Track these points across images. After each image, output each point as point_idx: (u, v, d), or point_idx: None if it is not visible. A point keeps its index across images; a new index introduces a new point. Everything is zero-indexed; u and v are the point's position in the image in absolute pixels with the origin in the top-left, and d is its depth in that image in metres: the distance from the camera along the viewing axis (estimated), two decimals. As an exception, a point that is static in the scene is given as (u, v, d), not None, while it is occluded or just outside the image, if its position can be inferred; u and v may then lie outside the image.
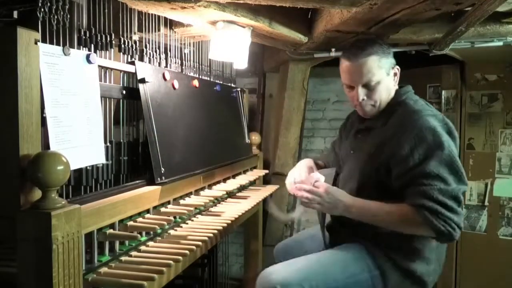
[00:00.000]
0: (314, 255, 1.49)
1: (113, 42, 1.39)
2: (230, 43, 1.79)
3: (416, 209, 1.30)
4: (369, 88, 1.48)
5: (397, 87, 1.55)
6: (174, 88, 1.71)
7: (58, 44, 1.15)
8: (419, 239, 1.42)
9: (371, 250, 1.45)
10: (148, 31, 1.62)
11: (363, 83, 1.47)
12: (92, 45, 1.31)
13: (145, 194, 1.38)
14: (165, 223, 1.35)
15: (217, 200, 1.92)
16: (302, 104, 2.84)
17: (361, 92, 1.48)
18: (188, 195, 1.72)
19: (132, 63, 1.49)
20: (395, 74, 1.53)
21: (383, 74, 1.47)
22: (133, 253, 1.29)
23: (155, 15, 1.63)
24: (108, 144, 1.33)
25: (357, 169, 1.51)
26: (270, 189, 2.41)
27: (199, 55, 2.06)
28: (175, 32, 1.82)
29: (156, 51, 1.68)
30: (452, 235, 1.28)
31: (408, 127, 1.38)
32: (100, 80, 1.33)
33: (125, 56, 1.49)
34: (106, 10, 1.37)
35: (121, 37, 1.46)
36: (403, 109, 1.47)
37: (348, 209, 1.40)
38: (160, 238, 1.43)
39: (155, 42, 1.67)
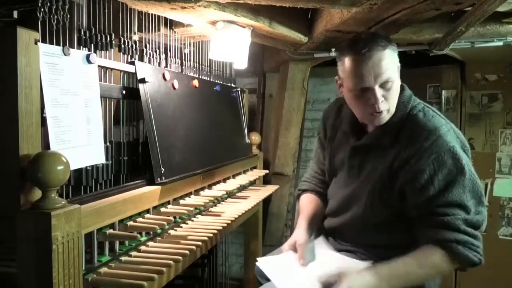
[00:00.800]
0: None
1: (113, 42, 1.39)
2: (230, 43, 1.79)
3: (443, 245, 1.18)
4: (385, 88, 1.24)
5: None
6: (174, 88, 1.71)
7: (58, 44, 1.15)
8: (412, 247, 1.30)
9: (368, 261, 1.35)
10: (148, 31, 1.62)
11: (382, 81, 1.22)
12: (92, 45, 1.31)
13: (145, 194, 1.38)
14: (165, 223, 1.35)
15: (217, 200, 1.92)
16: (302, 104, 2.84)
17: (380, 94, 1.23)
18: (188, 195, 1.72)
19: (132, 63, 1.49)
20: (398, 71, 1.32)
21: (396, 71, 1.27)
22: (133, 253, 1.29)
23: (155, 15, 1.63)
24: (108, 144, 1.33)
25: (365, 191, 1.34)
26: (270, 189, 2.41)
27: (199, 55, 2.06)
28: (175, 32, 1.82)
29: (156, 51, 1.68)
30: (481, 261, 1.21)
31: (426, 150, 1.22)
32: (100, 80, 1.33)
33: (125, 56, 1.49)
34: (106, 10, 1.37)
35: (121, 37, 1.46)
36: (414, 124, 1.28)
37: None
38: (160, 238, 1.43)
39: (155, 42, 1.67)
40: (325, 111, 1.63)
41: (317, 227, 1.54)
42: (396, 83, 1.26)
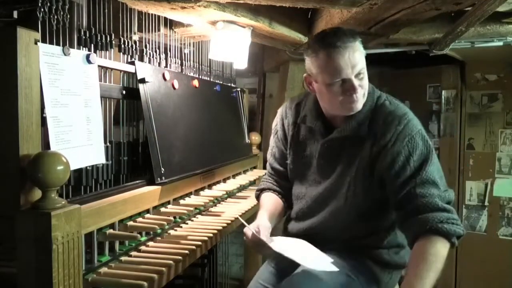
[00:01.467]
0: None
1: (113, 42, 1.39)
2: (230, 43, 1.79)
3: (431, 229, 1.20)
4: (359, 78, 1.29)
5: None
6: (174, 88, 1.71)
7: (58, 44, 1.15)
8: (396, 231, 1.41)
9: (353, 256, 1.38)
10: (148, 31, 1.62)
11: (357, 71, 1.27)
12: (92, 45, 1.31)
13: (145, 194, 1.38)
14: (165, 223, 1.36)
15: (217, 200, 1.92)
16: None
17: (356, 83, 1.28)
18: (188, 195, 1.72)
19: (132, 63, 1.49)
20: None
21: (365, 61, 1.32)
22: (133, 253, 1.29)
23: (155, 15, 1.63)
24: (108, 144, 1.33)
25: (343, 183, 1.37)
26: (270, 189, 2.41)
27: (199, 55, 2.06)
28: (175, 32, 1.82)
29: (156, 51, 1.68)
30: (464, 232, 1.24)
31: (400, 133, 1.30)
32: (100, 80, 1.33)
33: (125, 56, 1.49)
34: (106, 10, 1.37)
35: (121, 37, 1.46)
36: (384, 112, 1.35)
37: None
38: (160, 238, 1.43)
39: (155, 42, 1.67)
40: (283, 108, 1.58)
41: (275, 226, 1.49)
42: (366, 73, 1.32)
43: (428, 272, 1.16)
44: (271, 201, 1.54)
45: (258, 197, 1.63)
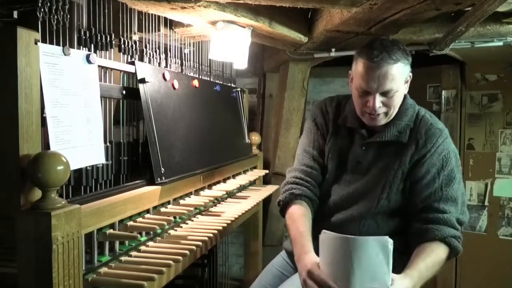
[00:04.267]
0: None
1: (113, 42, 1.39)
2: (230, 43, 1.79)
3: (445, 240, 1.30)
4: (387, 96, 1.34)
5: (407, 91, 1.44)
6: (174, 88, 1.71)
7: (58, 44, 1.15)
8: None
9: None
10: (148, 31, 1.62)
11: (383, 90, 1.32)
12: (92, 45, 1.31)
13: (145, 194, 1.38)
14: (165, 223, 1.35)
15: (217, 200, 1.92)
16: (302, 104, 2.84)
17: (378, 100, 1.33)
18: (188, 195, 1.72)
19: (132, 63, 1.49)
20: (406, 82, 1.40)
21: (402, 83, 1.36)
22: (133, 253, 1.29)
23: (155, 15, 1.63)
24: (108, 144, 1.33)
25: (377, 185, 1.39)
26: (270, 189, 2.41)
27: (199, 55, 2.06)
28: (175, 32, 1.82)
29: (156, 51, 1.68)
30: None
31: (439, 147, 1.38)
32: (100, 80, 1.33)
33: (125, 56, 1.49)
34: (106, 10, 1.37)
35: (121, 37, 1.46)
36: (426, 123, 1.41)
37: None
38: (160, 238, 1.43)
39: (155, 42, 1.67)
40: (322, 105, 1.58)
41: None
42: (399, 93, 1.35)
43: (432, 268, 1.26)
44: (306, 221, 1.39)
45: (288, 203, 1.46)
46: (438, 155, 1.37)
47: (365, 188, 1.42)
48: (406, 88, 1.42)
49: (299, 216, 1.39)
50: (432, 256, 1.28)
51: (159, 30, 1.68)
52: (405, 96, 1.45)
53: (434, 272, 1.28)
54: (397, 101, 1.37)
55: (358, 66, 1.35)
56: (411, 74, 1.40)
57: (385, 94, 1.33)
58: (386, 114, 1.38)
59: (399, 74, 1.32)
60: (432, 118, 1.44)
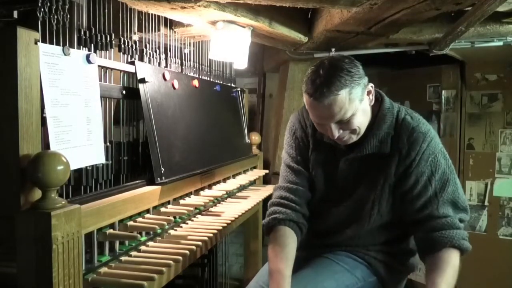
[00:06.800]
0: (307, 271, 1.35)
1: (113, 42, 1.39)
2: (230, 43, 1.79)
3: (455, 244, 1.27)
4: (344, 122, 1.25)
5: (373, 101, 1.33)
6: (174, 88, 1.71)
7: (58, 44, 1.15)
8: (409, 238, 1.45)
9: (366, 259, 1.42)
10: (148, 31, 1.62)
11: (336, 121, 1.24)
12: (92, 45, 1.31)
13: (145, 194, 1.38)
14: (165, 223, 1.35)
15: (217, 200, 1.92)
16: (302, 104, 2.84)
17: (335, 128, 1.25)
18: (188, 195, 1.72)
19: (132, 63, 1.49)
20: (369, 93, 1.30)
21: (357, 104, 1.23)
22: (133, 253, 1.29)
23: (155, 15, 1.63)
24: (108, 144, 1.33)
25: (367, 201, 1.35)
26: (270, 189, 2.41)
27: (199, 55, 2.06)
28: (175, 32, 1.82)
29: (156, 51, 1.68)
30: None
31: (424, 152, 1.29)
32: (100, 80, 1.33)
33: (125, 56, 1.49)
34: (106, 10, 1.37)
35: (121, 37, 1.46)
36: (408, 128, 1.31)
37: None
38: (160, 238, 1.43)
39: (155, 42, 1.67)
40: (300, 117, 1.50)
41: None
42: (357, 114, 1.25)
43: (453, 281, 1.23)
44: (287, 253, 1.30)
45: (271, 228, 1.39)
46: (425, 162, 1.29)
47: (356, 206, 1.38)
48: (369, 101, 1.31)
49: (281, 248, 1.30)
50: (449, 270, 1.23)
51: (159, 30, 1.68)
52: (381, 100, 1.36)
53: (455, 282, 1.24)
54: (359, 120, 1.26)
55: (304, 98, 1.27)
56: (370, 85, 1.29)
57: (339, 122, 1.24)
58: (353, 133, 1.29)
59: (347, 101, 1.20)
60: (413, 120, 1.33)
